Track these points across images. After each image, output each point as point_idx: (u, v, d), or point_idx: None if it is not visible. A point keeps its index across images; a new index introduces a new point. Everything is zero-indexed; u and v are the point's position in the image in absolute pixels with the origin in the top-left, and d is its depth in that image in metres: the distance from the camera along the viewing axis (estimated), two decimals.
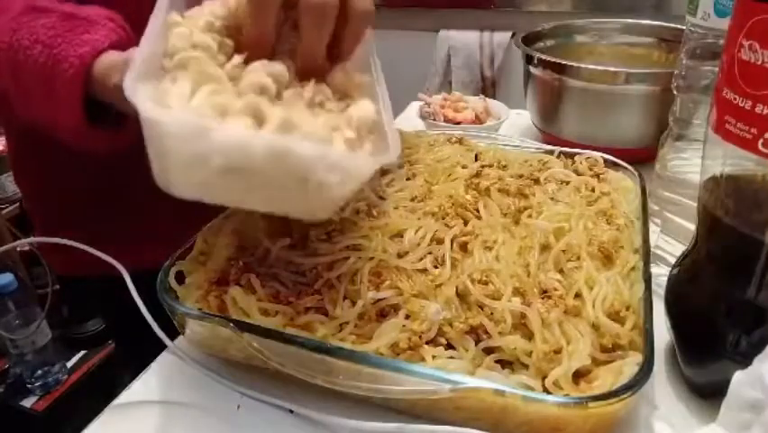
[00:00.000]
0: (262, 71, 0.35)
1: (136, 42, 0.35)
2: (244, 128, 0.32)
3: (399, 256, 0.43)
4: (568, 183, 0.53)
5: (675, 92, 0.56)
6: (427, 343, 0.38)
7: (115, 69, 0.40)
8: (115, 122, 0.44)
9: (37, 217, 0.71)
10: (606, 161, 0.58)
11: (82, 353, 1.58)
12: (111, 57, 0.40)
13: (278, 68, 0.36)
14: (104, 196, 0.64)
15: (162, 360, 0.45)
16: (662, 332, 0.41)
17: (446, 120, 0.82)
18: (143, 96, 0.31)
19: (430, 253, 0.43)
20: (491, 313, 0.38)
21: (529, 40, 0.81)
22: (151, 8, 0.36)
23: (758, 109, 0.32)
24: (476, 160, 0.58)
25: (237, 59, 0.36)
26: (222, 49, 0.37)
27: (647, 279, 0.41)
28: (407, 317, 0.39)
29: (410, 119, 0.87)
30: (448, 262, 0.42)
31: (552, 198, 0.51)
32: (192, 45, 0.35)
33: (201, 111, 0.32)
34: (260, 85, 0.34)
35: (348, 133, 0.35)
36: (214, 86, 0.34)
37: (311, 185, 0.32)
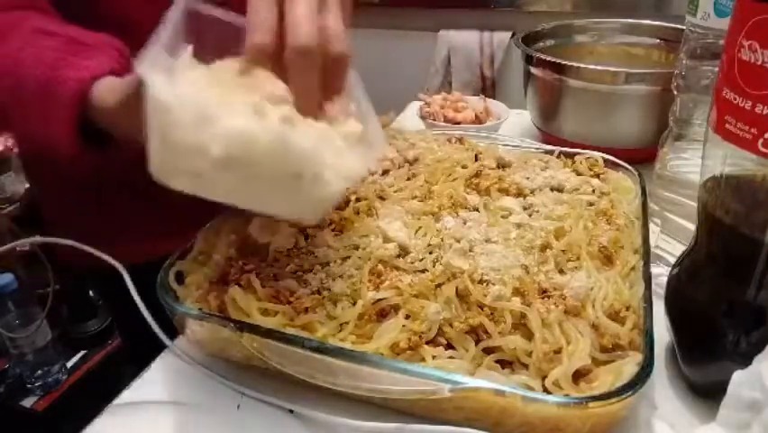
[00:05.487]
0: (273, 80, 0.35)
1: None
2: (250, 119, 0.32)
3: (399, 256, 0.43)
4: (561, 191, 0.53)
5: (675, 92, 0.56)
6: (427, 343, 0.38)
7: (112, 91, 0.40)
8: (107, 144, 0.44)
9: (44, 204, 0.71)
10: (606, 161, 0.58)
11: (82, 353, 1.58)
12: (109, 81, 0.41)
13: (283, 85, 0.36)
14: (110, 188, 0.64)
15: (162, 360, 0.45)
16: (663, 332, 0.41)
17: (446, 120, 0.82)
18: (155, 77, 0.31)
19: (430, 253, 0.43)
20: (491, 313, 0.38)
21: (529, 40, 0.81)
22: None
23: (758, 109, 0.32)
24: (476, 160, 0.58)
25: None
26: None
27: (647, 279, 0.41)
28: (407, 317, 0.39)
29: (410, 119, 0.87)
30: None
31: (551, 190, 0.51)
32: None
33: (209, 100, 0.32)
34: (270, 94, 0.34)
35: (338, 142, 0.35)
36: (223, 89, 0.34)
37: (305, 181, 0.33)
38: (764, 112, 0.32)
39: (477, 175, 0.54)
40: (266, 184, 0.33)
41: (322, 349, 0.36)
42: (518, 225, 0.47)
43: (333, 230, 0.46)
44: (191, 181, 0.33)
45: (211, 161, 0.31)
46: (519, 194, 0.52)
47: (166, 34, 0.35)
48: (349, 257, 0.43)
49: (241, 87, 0.35)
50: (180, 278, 0.44)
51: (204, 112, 0.31)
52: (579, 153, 0.59)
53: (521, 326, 0.38)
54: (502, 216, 0.48)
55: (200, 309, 0.40)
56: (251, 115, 0.33)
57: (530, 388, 0.35)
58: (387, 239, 0.44)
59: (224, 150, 0.31)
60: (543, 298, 0.40)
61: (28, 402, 1.43)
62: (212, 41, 0.38)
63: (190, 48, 0.36)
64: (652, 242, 0.47)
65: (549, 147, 0.62)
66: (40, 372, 1.44)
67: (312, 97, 0.36)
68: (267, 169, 0.32)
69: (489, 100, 0.86)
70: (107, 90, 0.41)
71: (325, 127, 0.36)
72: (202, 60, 0.37)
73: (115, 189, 0.63)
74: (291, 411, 0.39)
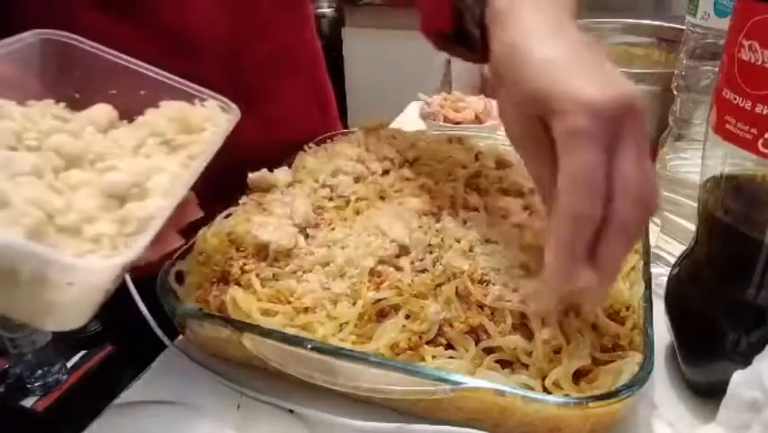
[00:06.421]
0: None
1: None
2: None
3: (399, 256, 0.43)
4: None
5: (675, 92, 0.56)
6: (427, 343, 0.38)
7: None
8: None
9: None
10: None
11: (82, 353, 1.57)
12: None
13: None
14: None
15: (162, 360, 0.45)
16: (663, 332, 0.41)
17: (446, 120, 0.82)
18: None
19: (430, 253, 0.43)
20: (491, 313, 0.38)
21: None
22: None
23: (758, 109, 0.32)
24: (476, 160, 0.58)
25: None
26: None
27: (647, 279, 0.41)
28: (407, 317, 0.39)
29: (410, 119, 0.87)
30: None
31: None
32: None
33: None
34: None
35: (88, 234, 0.29)
36: None
37: (23, 279, 0.27)
38: (764, 112, 0.32)
39: (477, 175, 0.54)
40: None
41: (322, 349, 0.36)
42: (518, 225, 0.47)
43: (333, 230, 0.46)
44: None
45: None
46: (519, 194, 0.52)
47: None
48: (349, 257, 0.43)
49: None
50: (180, 278, 0.44)
51: None
52: None
53: (521, 326, 0.38)
54: (502, 216, 0.48)
55: (200, 309, 0.40)
56: None
57: (530, 388, 0.35)
58: (387, 239, 0.44)
59: None
60: None
61: (28, 402, 1.42)
62: (82, 75, 0.37)
63: None
64: (652, 242, 0.47)
65: None
66: (40, 372, 1.43)
67: (617, 270, 0.32)
68: None
69: (489, 100, 0.86)
70: None
71: (84, 211, 0.30)
72: (63, 94, 0.35)
73: None
74: (291, 411, 0.39)
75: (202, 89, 0.40)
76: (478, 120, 0.83)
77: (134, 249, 0.29)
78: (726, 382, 0.32)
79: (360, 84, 1.96)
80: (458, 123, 0.82)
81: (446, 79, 1.88)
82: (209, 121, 0.39)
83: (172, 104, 0.39)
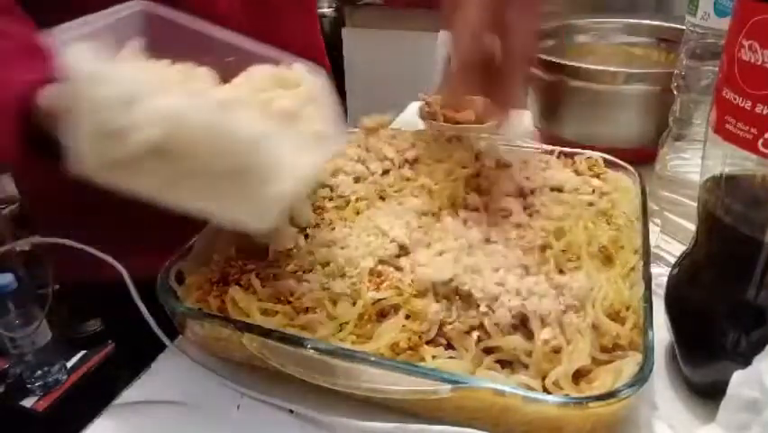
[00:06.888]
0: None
1: None
2: (184, 98, 0.29)
3: (399, 256, 0.43)
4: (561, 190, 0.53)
5: (675, 92, 0.56)
6: (427, 343, 0.38)
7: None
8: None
9: (38, 217, 0.71)
10: (606, 161, 0.58)
11: (82, 353, 1.58)
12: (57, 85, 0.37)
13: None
14: (103, 200, 0.63)
15: (162, 360, 0.45)
16: (663, 332, 0.41)
17: (446, 120, 0.82)
18: (80, 50, 0.28)
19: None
20: (492, 313, 0.38)
21: None
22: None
23: (758, 109, 0.32)
24: (476, 160, 0.58)
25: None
26: None
27: (647, 279, 0.41)
28: (407, 317, 0.39)
29: (410, 119, 0.87)
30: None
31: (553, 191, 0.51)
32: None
33: (140, 77, 0.29)
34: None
35: (295, 136, 0.34)
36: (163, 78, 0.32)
37: (254, 175, 0.29)
38: (764, 112, 0.32)
39: (477, 175, 0.54)
40: (205, 178, 0.30)
41: (322, 349, 0.36)
42: (518, 225, 0.47)
43: (333, 230, 0.46)
44: (118, 172, 0.29)
45: (140, 147, 0.27)
46: (519, 194, 0.52)
47: (103, 23, 0.33)
48: (349, 257, 0.43)
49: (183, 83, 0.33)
50: (180, 278, 0.44)
51: (134, 88, 0.27)
52: (579, 153, 0.59)
53: (521, 326, 0.38)
54: (502, 216, 0.48)
55: (200, 309, 0.40)
56: (192, 96, 0.30)
57: (530, 388, 0.35)
58: (387, 239, 0.44)
59: (154, 132, 0.27)
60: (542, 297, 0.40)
61: (28, 402, 1.42)
62: (171, 47, 0.37)
63: (136, 42, 0.34)
64: (652, 242, 0.47)
65: (549, 147, 0.61)
66: (40, 372, 1.44)
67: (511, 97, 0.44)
68: (204, 161, 0.29)
69: (489, 100, 0.86)
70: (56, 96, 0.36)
71: (282, 121, 0.35)
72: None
73: (104, 203, 0.63)
74: (291, 411, 0.39)
75: (286, 54, 0.41)
76: (478, 120, 0.82)
77: (326, 151, 0.35)
78: (726, 382, 0.32)
79: (360, 84, 1.96)
80: (458, 123, 0.81)
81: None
82: (300, 80, 0.40)
83: (263, 66, 0.40)
